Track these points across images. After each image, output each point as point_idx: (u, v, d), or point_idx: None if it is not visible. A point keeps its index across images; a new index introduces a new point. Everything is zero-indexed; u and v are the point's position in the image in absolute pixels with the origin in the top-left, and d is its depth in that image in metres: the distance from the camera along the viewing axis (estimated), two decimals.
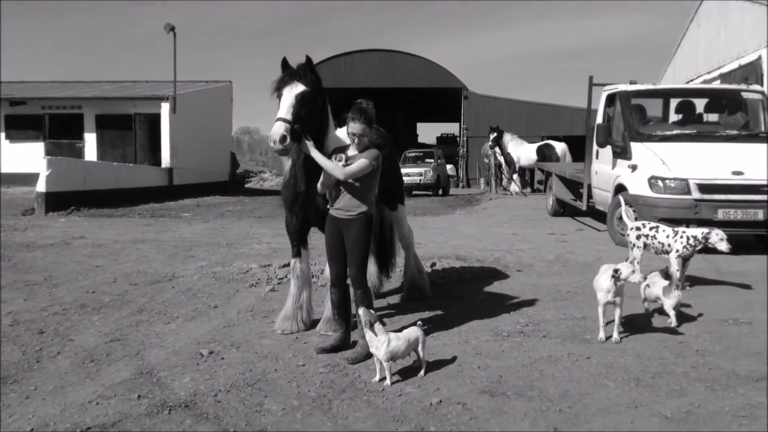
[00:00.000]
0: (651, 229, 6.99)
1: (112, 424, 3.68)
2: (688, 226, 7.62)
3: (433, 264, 8.44)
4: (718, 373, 4.43)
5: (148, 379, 4.39)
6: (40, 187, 16.60)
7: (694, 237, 6.65)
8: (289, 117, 4.87)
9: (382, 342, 4.28)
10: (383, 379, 4.31)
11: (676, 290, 5.58)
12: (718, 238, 6.50)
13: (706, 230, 6.63)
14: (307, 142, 4.90)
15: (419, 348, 4.43)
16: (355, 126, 4.82)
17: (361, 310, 4.49)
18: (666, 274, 5.73)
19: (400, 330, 4.56)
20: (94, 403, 3.98)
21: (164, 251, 9.87)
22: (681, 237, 6.73)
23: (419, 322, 4.59)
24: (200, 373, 4.49)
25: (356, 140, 4.86)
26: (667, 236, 6.83)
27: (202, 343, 5.18)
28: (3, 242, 10.68)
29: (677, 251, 6.72)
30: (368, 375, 4.45)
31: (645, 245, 7.02)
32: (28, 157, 23.66)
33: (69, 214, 16.22)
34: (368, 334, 4.36)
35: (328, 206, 5.00)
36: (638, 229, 7.07)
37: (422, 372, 4.42)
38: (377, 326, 4.34)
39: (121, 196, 19.59)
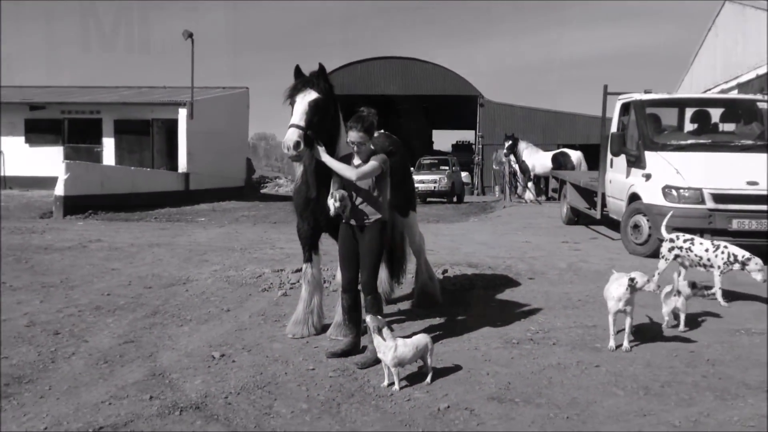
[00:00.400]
0: (685, 241, 6.89)
1: (124, 424, 3.75)
2: (702, 236, 7.57)
3: (445, 271, 8.44)
4: (728, 383, 4.42)
5: (160, 381, 4.45)
6: (59, 190, 16.84)
7: (734, 255, 6.53)
8: (302, 123, 4.92)
9: (389, 347, 4.31)
10: (391, 384, 4.34)
11: (674, 296, 5.58)
12: (756, 267, 6.36)
13: (747, 255, 6.49)
14: (318, 147, 4.94)
15: (427, 355, 4.44)
16: (353, 134, 4.84)
17: (368, 317, 4.52)
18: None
19: (409, 336, 4.59)
20: (107, 403, 4.04)
21: (179, 255, 9.97)
22: (722, 252, 6.60)
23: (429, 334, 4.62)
24: (211, 376, 4.55)
25: (356, 148, 4.89)
26: (706, 250, 6.71)
27: (214, 346, 5.24)
28: (21, 245, 10.85)
29: (719, 267, 6.61)
30: (377, 380, 4.48)
31: (677, 257, 6.95)
32: (48, 160, 24.01)
33: (86, 218, 16.44)
34: (376, 340, 4.39)
35: (343, 220, 5.03)
36: (671, 241, 6.98)
37: (428, 379, 4.44)
38: (385, 332, 4.37)
39: (137, 200, 19.79)
